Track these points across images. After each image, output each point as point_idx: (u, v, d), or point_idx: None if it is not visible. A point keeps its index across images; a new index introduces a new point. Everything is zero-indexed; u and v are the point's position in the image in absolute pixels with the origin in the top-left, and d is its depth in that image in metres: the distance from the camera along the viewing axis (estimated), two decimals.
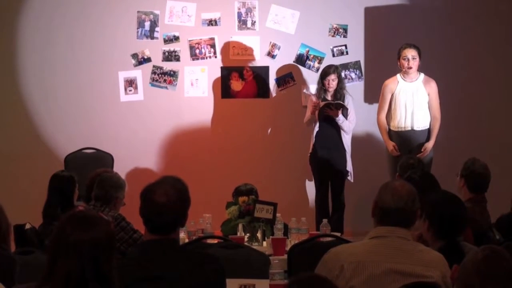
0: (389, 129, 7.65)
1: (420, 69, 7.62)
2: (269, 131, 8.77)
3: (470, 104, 8.73)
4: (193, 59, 8.72)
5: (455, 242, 3.98)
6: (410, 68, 7.51)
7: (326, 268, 3.41)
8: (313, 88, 8.36)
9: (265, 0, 8.68)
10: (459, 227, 4.00)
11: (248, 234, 5.84)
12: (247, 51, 8.71)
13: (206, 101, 8.73)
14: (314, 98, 7.93)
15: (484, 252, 2.81)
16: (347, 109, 7.81)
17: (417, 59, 7.52)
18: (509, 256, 2.82)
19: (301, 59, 8.72)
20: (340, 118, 7.78)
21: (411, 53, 7.50)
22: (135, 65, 8.70)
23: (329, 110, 7.76)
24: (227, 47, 8.70)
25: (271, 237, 5.63)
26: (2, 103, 8.66)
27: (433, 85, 7.60)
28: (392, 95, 7.61)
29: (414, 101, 7.55)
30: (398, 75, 7.63)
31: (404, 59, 7.50)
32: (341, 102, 7.79)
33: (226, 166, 8.64)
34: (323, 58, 8.69)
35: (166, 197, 3.30)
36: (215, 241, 5.08)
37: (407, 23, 8.68)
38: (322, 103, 7.75)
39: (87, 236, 2.71)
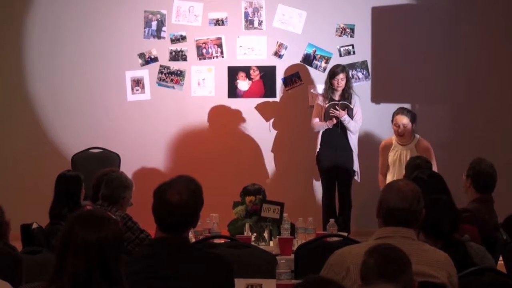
0: None
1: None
2: (276, 131, 8.76)
3: (476, 104, 8.70)
4: (200, 59, 8.72)
5: (456, 242, 4.00)
6: (401, 135, 7.40)
7: (332, 270, 3.40)
8: (320, 88, 8.35)
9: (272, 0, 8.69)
10: (448, 229, 4.05)
11: (255, 234, 5.83)
12: (254, 51, 8.71)
13: (213, 100, 8.73)
14: (321, 98, 7.92)
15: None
16: (352, 109, 7.79)
17: (408, 126, 7.36)
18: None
19: (308, 59, 8.71)
20: (346, 119, 7.75)
21: (402, 121, 7.36)
22: (142, 65, 8.71)
23: (335, 111, 7.75)
24: (234, 46, 8.70)
25: (278, 237, 5.62)
26: (9, 103, 8.68)
27: (425, 148, 7.38)
28: (387, 155, 7.52)
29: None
30: (394, 136, 7.53)
31: (396, 125, 7.42)
32: (347, 103, 7.77)
33: (233, 166, 8.64)
34: (330, 57, 8.68)
35: (179, 197, 3.29)
36: (222, 241, 5.08)
37: (414, 22, 8.66)
38: (342, 113, 7.72)
39: (95, 236, 2.70)
